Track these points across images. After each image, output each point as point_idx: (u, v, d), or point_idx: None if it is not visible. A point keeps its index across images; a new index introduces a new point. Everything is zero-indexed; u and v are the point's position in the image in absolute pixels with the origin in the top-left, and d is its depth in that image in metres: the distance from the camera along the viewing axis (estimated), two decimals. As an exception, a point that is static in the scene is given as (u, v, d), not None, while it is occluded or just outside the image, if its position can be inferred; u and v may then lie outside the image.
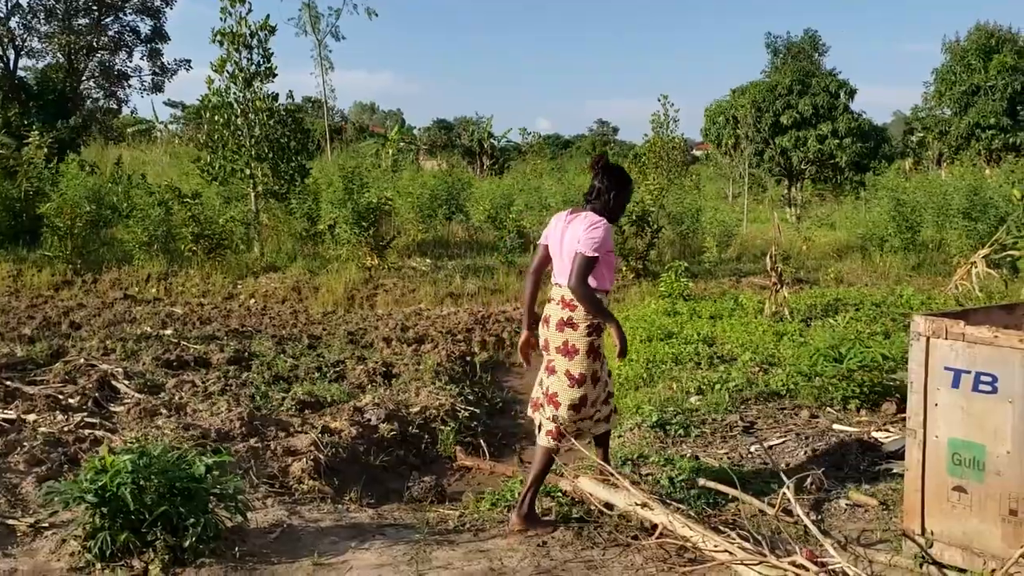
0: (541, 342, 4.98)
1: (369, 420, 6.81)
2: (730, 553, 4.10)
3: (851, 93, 30.21)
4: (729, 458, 6.16)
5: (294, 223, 18.33)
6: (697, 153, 51.97)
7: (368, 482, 6.00)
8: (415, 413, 7.06)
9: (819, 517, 5.10)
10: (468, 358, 10.08)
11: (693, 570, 4.27)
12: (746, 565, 3.94)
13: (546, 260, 5.03)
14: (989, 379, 4.05)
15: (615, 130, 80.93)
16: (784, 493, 4.54)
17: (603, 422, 5.14)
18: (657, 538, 4.42)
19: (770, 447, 6.39)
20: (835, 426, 6.84)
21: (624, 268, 15.33)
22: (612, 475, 4.88)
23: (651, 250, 15.66)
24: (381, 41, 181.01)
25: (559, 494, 5.23)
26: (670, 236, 17.81)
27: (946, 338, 4.20)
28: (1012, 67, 35.55)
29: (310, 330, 11.41)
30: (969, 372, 4.13)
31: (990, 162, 27.82)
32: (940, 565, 4.25)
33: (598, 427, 5.11)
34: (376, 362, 9.17)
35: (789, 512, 4.86)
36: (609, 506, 4.89)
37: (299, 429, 6.48)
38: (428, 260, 16.87)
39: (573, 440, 4.95)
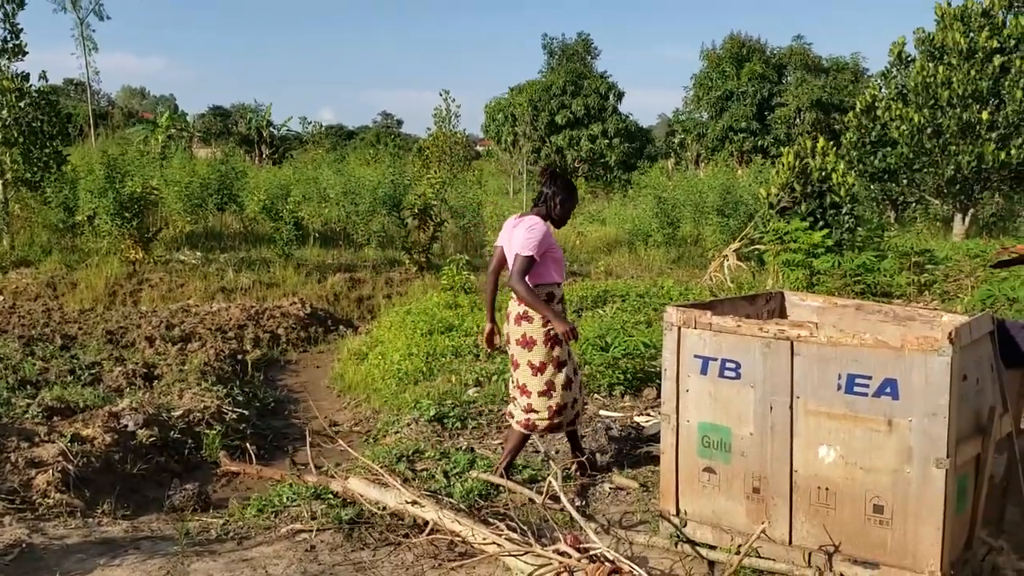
0: (506, 338, 5.33)
1: (126, 426, 6.34)
2: (498, 545, 4.15)
3: (619, 95, 31.79)
4: (503, 448, 6.25)
5: (49, 214, 16.84)
6: (480, 148, 52.76)
7: (124, 492, 5.59)
8: (178, 417, 6.65)
9: (584, 502, 5.29)
10: (239, 356, 9.66)
11: (463, 564, 4.29)
12: (513, 556, 4.00)
13: (502, 260, 5.37)
14: (733, 365, 4.35)
15: (399, 122, 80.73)
16: (551, 481, 4.66)
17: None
18: (428, 535, 4.41)
19: (542, 435, 6.55)
20: (601, 412, 7.12)
21: (407, 261, 15.29)
22: (381, 474, 4.81)
23: (434, 243, 15.70)
24: (152, 23, 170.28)
25: (330, 496, 5.10)
26: (453, 230, 17.95)
27: (695, 328, 4.47)
28: (761, 75, 38.79)
29: (64, 329, 10.50)
30: (716, 359, 4.41)
31: (741, 163, 30.25)
32: (693, 543, 4.52)
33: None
34: (136, 363, 8.58)
35: (557, 499, 5.01)
36: (383, 506, 4.83)
37: (45, 438, 5.92)
38: (198, 253, 16.02)
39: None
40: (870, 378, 3.94)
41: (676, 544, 4.54)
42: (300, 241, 16.04)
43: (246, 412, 7.21)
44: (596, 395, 7.63)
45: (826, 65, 40.02)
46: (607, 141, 25.83)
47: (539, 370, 5.20)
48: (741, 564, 4.27)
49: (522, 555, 3.93)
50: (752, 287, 13.26)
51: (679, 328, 4.51)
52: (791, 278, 12.21)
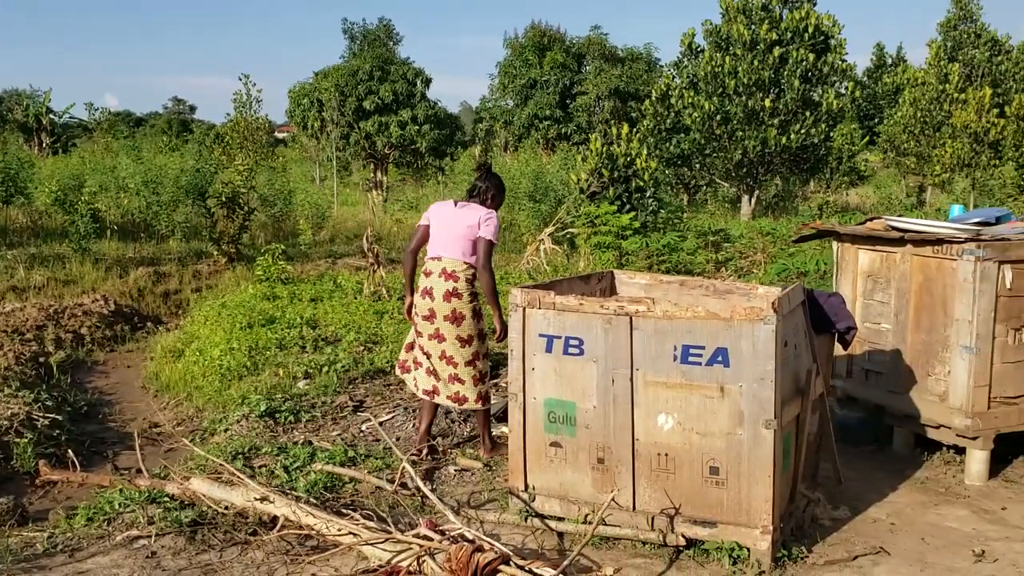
0: (425, 311, 5.52)
1: (-80, 441, 5.75)
2: (355, 535, 4.11)
3: (427, 82, 31.76)
4: (343, 439, 6.17)
5: None
6: (280, 135, 51.15)
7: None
8: (-20, 427, 6.09)
9: (432, 486, 5.32)
10: (41, 359, 8.95)
11: (316, 559, 4.22)
12: (372, 545, 3.99)
13: (424, 240, 5.61)
14: (577, 342, 4.52)
15: (192, 108, 76.97)
16: (403, 468, 4.67)
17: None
18: (279, 531, 4.30)
19: (381, 423, 6.52)
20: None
21: (215, 253, 14.65)
22: (231, 471, 4.64)
23: (243, 233, 15.12)
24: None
25: (166, 499, 4.85)
26: (262, 219, 17.35)
27: (539, 308, 4.60)
28: (562, 64, 39.97)
29: None
30: (560, 337, 4.57)
31: (547, 149, 31.15)
32: (543, 516, 4.67)
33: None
34: (-79, 372, 7.77)
35: (405, 485, 5.02)
36: (228, 505, 4.66)
37: None
38: (-19, 250, 14.63)
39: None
40: (703, 348, 4.21)
41: (526, 519, 4.68)
42: (97, 234, 15.00)
43: (59, 417, 6.71)
44: (429, 380, 7.66)
45: (622, 55, 41.76)
46: (417, 127, 25.82)
47: (467, 342, 5.53)
48: (588, 533, 4.47)
49: (382, 543, 3.92)
50: (567, 269, 13.71)
51: (524, 308, 4.63)
52: (602, 259, 12.72)
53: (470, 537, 3.89)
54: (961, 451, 5.70)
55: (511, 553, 3.71)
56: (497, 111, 40.45)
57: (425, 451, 5.69)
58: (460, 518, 4.72)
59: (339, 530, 4.13)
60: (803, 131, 21.43)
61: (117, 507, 4.76)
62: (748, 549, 4.22)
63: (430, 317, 5.51)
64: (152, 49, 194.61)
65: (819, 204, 19.10)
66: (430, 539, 3.86)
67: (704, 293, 5.42)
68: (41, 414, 6.57)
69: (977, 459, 5.51)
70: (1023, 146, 18.53)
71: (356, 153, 26.19)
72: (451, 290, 5.47)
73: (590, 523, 4.51)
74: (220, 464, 4.91)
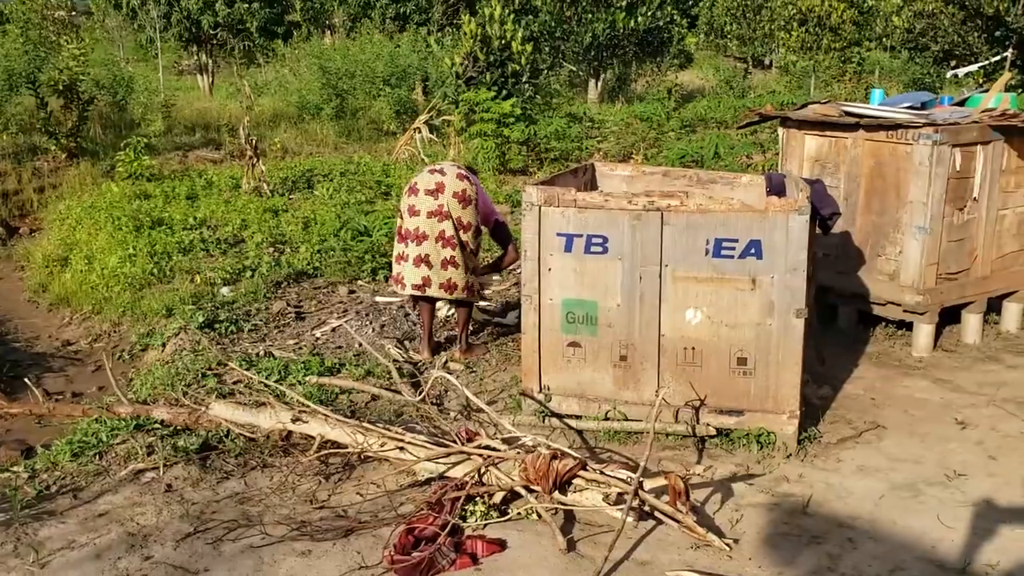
0: (431, 185, 5.32)
1: None
2: (402, 448, 3.92)
3: (249, -45, 29.29)
4: (302, 347, 5.83)
5: None
6: (58, 15, 46.10)
7: None
8: None
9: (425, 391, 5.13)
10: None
11: (353, 475, 4.02)
12: (433, 460, 3.81)
13: None
14: (600, 240, 4.40)
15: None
16: (436, 374, 4.48)
17: None
18: (316, 452, 4.02)
19: (334, 329, 6.21)
20: (377, 298, 6.88)
21: (54, 148, 13.19)
22: (280, 391, 4.29)
23: (83, 125, 13.65)
24: None
25: (157, 425, 4.42)
26: (100, 109, 15.70)
27: (558, 206, 4.44)
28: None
29: None
30: (581, 236, 4.44)
31: (383, 31, 29.80)
32: (560, 416, 4.63)
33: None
34: None
35: (398, 392, 4.81)
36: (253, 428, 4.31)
37: None
38: None
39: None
40: (736, 241, 4.22)
41: (544, 419, 4.62)
42: None
43: (-36, 342, 5.93)
44: (360, 281, 7.35)
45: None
46: (246, 6, 23.94)
47: (466, 229, 5.40)
48: (612, 429, 4.49)
49: (444, 456, 3.76)
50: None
51: (540, 207, 4.45)
52: (485, 147, 12.47)
53: (530, 444, 3.80)
54: (902, 325, 6.10)
55: (587, 459, 3.65)
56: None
57: (444, 360, 5.51)
58: (472, 422, 4.62)
59: (383, 445, 3.92)
60: (649, 14, 21.61)
61: (105, 439, 4.29)
62: (774, 434, 4.37)
63: (435, 192, 5.28)
64: None
65: (668, 88, 19.44)
66: (495, 449, 3.74)
67: (688, 183, 5.41)
68: (-58, 339, 5.78)
69: (925, 332, 5.91)
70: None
71: (179, 34, 24.08)
72: (463, 174, 5.44)
73: (611, 419, 4.53)
74: (263, 384, 4.53)
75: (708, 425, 4.40)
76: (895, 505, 3.85)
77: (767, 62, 31.64)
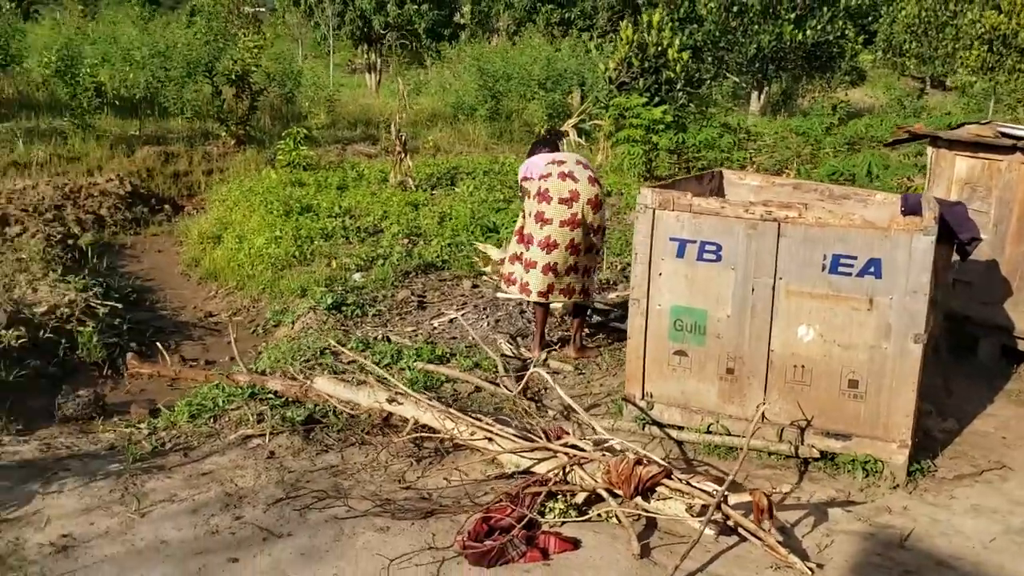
0: (565, 194, 5.31)
1: (-17, 326, 5.46)
2: (489, 439, 3.96)
3: (424, -42, 30.23)
4: (418, 335, 5.98)
5: None
6: (247, 10, 48.84)
7: (4, 404, 4.83)
8: (42, 314, 5.81)
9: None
10: (70, 241, 8.59)
11: (444, 461, 4.09)
12: (517, 453, 3.84)
13: None
14: (714, 248, 4.30)
15: (163, -22, 73.41)
16: (532, 371, 4.51)
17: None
18: (408, 433, 4.13)
19: (451, 320, 6.33)
20: (499, 294, 6.94)
21: (224, 134, 14.07)
22: (381, 375, 4.45)
23: (253, 114, 14.50)
24: None
25: (270, 396, 4.66)
26: (269, 100, 16.64)
27: (673, 210, 4.37)
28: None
29: None
30: (694, 242, 4.35)
31: (548, 35, 30.08)
32: (661, 425, 4.55)
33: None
34: (-46, 251, 7.40)
35: (523, 392, 4.84)
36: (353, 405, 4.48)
37: None
38: (-30, 122, 13.91)
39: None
40: (855, 258, 4.02)
41: (643, 427, 4.56)
42: (101, 108, 14.29)
43: (118, 306, 6.41)
44: (485, 277, 7.46)
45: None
46: (416, 7, 24.73)
47: (596, 232, 5.47)
48: (712, 443, 4.37)
49: (530, 450, 3.77)
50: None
51: (654, 210, 4.39)
52: (632, 153, 12.39)
53: (619, 448, 3.76)
54: (1052, 365, 5.65)
55: (672, 468, 3.58)
56: (497, -8, 38.75)
57: (544, 357, 5.54)
58: (569, 423, 4.61)
59: (472, 434, 3.97)
60: (819, 27, 20.86)
61: (221, 404, 4.56)
62: (883, 462, 4.14)
63: (569, 200, 5.28)
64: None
65: (833, 104, 18.69)
66: (581, 449, 3.72)
67: (819, 198, 5.20)
68: (99, 302, 6.28)
69: (1076, 374, 5.46)
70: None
71: (351, 33, 25.11)
72: (594, 177, 5.45)
73: (713, 433, 4.41)
74: (371, 368, 4.71)
75: (812, 447, 4.22)
76: (1007, 549, 3.57)
77: (948, 83, 29.91)
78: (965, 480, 4.25)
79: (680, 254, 4.38)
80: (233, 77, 13.97)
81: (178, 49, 14.11)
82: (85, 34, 17.36)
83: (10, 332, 5.33)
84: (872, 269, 4.00)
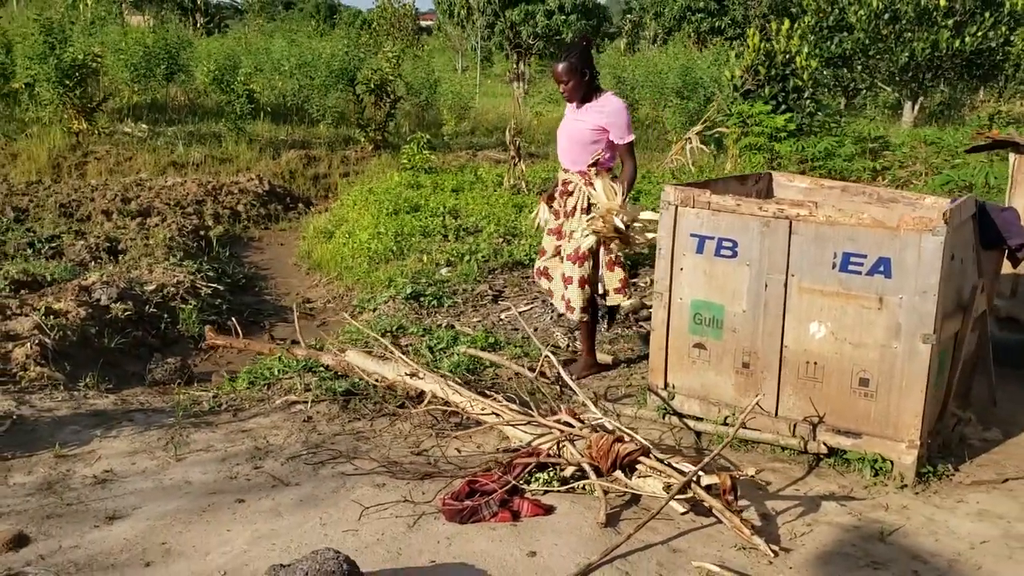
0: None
1: (99, 300, 6.23)
2: (497, 415, 4.24)
3: (575, -30, 30.79)
4: (483, 326, 6.32)
5: (-19, 81, 15.94)
6: (424, 24, 51.07)
7: (104, 366, 5.53)
8: (151, 291, 6.55)
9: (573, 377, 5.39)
10: (201, 232, 9.48)
11: (460, 434, 4.39)
12: (514, 426, 4.10)
13: None
14: (730, 244, 4.41)
15: (340, -6, 77.46)
16: (545, 357, 4.74)
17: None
18: (425, 405, 4.48)
19: (520, 313, 6.63)
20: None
21: (362, 139, 14.96)
22: (386, 346, 4.84)
23: (390, 121, 15.34)
24: None
25: (321, 369, 5.12)
26: (407, 108, 17.52)
27: (693, 207, 4.50)
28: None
29: (14, 202, 10.13)
30: (712, 238, 4.47)
31: (698, 44, 29.88)
32: (681, 415, 4.69)
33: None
34: (98, 237, 8.36)
35: (544, 374, 5.11)
36: (379, 378, 4.88)
37: (17, 311, 5.80)
38: (143, 125, 15.43)
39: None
40: (865, 257, 4.04)
41: (664, 416, 4.70)
42: (252, 115, 15.54)
43: (220, 288, 7.13)
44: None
45: (784, -55, 39.16)
46: (563, 17, 25.20)
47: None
48: (727, 435, 4.46)
49: (524, 425, 4.03)
50: (712, 171, 13.34)
51: (676, 207, 4.54)
52: (752, 162, 12.29)
53: (610, 427, 3.95)
54: None
55: (651, 446, 3.75)
56: (647, 1, 38.91)
57: (567, 345, 5.75)
58: (597, 410, 4.80)
59: (482, 409, 4.27)
60: (980, 34, 19.76)
61: (276, 373, 5.06)
62: (891, 462, 4.12)
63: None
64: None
65: (989, 114, 17.67)
66: (571, 425, 3.94)
67: (867, 200, 5.17)
68: (204, 283, 6.99)
69: None
70: None
71: (500, 43, 25.87)
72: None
73: (729, 425, 4.50)
74: (375, 338, 5.11)
75: (822, 443, 4.25)
76: (993, 552, 3.51)
77: None
78: (983, 486, 4.15)
79: (700, 250, 4.51)
80: (372, 86, 14.83)
81: (322, 59, 15.11)
82: (244, 46, 18.83)
83: (118, 305, 6.06)
84: (882, 268, 4.01)
